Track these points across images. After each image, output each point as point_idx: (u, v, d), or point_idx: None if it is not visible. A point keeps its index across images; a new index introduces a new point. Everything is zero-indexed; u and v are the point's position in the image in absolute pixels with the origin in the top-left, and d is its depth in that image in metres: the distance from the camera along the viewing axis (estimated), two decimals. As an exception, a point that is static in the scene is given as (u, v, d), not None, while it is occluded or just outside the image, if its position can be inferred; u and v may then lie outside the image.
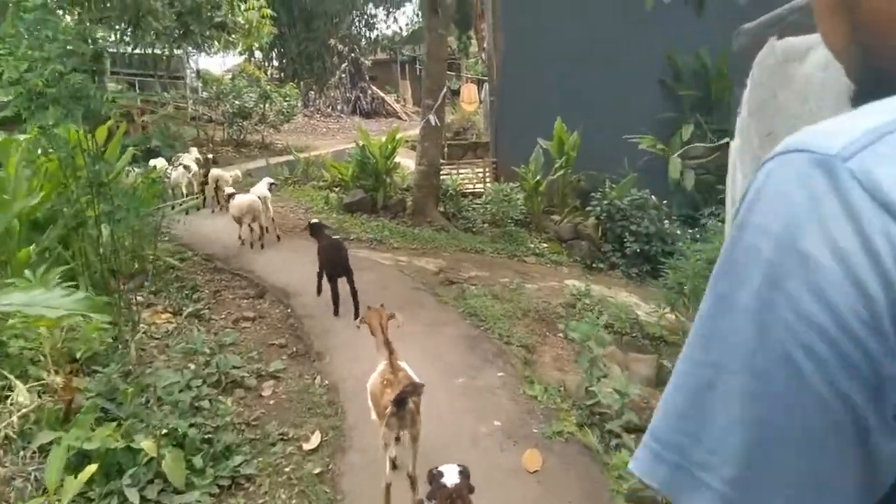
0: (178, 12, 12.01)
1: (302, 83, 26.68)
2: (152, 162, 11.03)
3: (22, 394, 3.40)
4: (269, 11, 14.43)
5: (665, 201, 9.19)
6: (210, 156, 11.58)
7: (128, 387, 3.69)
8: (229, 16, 12.53)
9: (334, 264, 5.62)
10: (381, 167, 10.06)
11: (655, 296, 6.53)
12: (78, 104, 3.90)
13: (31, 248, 4.30)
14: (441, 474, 2.48)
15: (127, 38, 14.67)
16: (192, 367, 4.37)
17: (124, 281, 6.17)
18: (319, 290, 5.98)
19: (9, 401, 3.39)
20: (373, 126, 24.46)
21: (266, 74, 23.74)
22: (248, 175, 13.54)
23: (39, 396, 3.26)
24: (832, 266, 0.42)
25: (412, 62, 31.09)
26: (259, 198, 7.95)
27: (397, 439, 3.24)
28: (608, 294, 7.16)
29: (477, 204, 9.95)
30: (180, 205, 10.04)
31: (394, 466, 3.15)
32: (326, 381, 4.46)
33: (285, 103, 18.25)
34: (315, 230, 6.16)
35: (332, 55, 26.98)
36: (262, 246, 7.96)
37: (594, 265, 8.71)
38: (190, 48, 17.38)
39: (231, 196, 8.01)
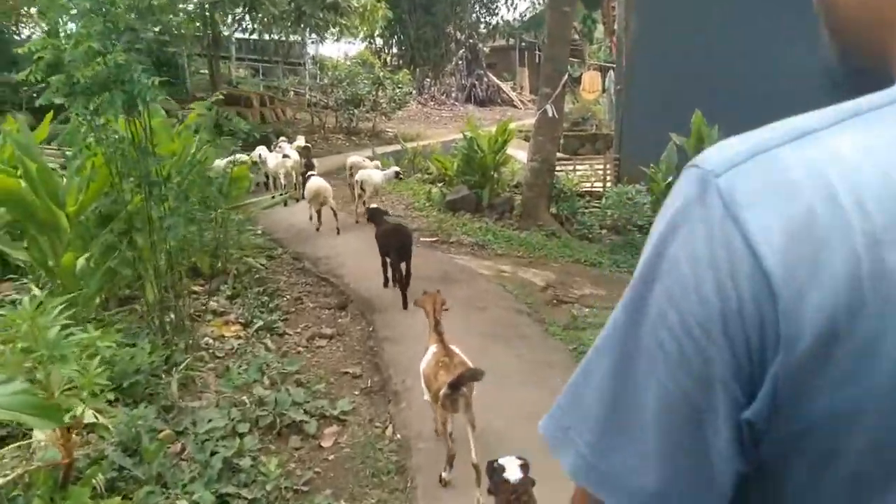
0: (291, -6, 11.70)
1: (418, 70, 26.27)
2: (257, 151, 10.87)
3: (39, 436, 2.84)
4: (384, -6, 13.92)
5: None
6: (307, 144, 11.09)
7: (155, 434, 3.04)
8: (342, -2, 12.07)
9: (395, 247, 5.54)
10: (489, 161, 9.13)
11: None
12: (121, 90, 3.28)
13: (82, 254, 3.78)
14: (503, 468, 2.36)
15: (246, 23, 14.72)
16: (246, 401, 3.70)
17: (203, 283, 5.72)
18: (386, 281, 5.86)
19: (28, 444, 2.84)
20: (486, 115, 23.57)
21: (382, 61, 23.46)
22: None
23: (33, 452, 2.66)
24: (686, 272, 0.46)
25: (531, 48, 29.83)
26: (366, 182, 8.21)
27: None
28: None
29: (595, 206, 8.78)
30: (280, 195, 9.69)
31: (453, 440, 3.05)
32: (398, 435, 3.62)
33: (398, 90, 17.74)
34: (374, 215, 6.16)
35: (449, 41, 26.33)
36: (339, 231, 7.76)
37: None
38: (308, 33, 17.26)
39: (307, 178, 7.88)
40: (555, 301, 5.91)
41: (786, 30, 8.32)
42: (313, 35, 18.11)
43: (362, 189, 8.84)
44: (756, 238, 0.43)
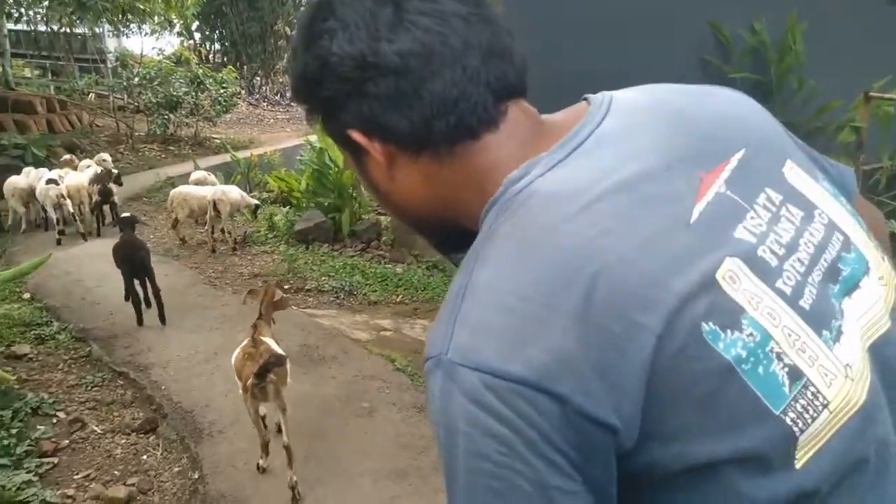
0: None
1: (245, 68, 23.55)
2: (23, 173, 8.03)
3: None
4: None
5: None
6: (113, 170, 8.48)
7: None
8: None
9: (132, 264, 4.92)
10: (346, 178, 7.34)
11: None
12: None
13: None
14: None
15: (9, 7, 11.50)
16: None
17: None
18: (127, 296, 4.99)
19: None
20: (328, 116, 21.53)
21: (200, 57, 20.51)
22: (171, 184, 10.63)
23: None
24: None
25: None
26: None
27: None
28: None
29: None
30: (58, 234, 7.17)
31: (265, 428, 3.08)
32: None
33: (222, 90, 15.20)
34: (124, 223, 5.26)
35: (278, 37, 23.91)
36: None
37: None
38: (100, 23, 14.13)
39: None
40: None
41: (657, 11, 7.38)
42: (108, 26, 14.93)
43: (216, 210, 6.71)
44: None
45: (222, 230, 7.13)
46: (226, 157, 12.09)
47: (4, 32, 18.94)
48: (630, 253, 0.57)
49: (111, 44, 21.91)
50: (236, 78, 17.01)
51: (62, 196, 7.34)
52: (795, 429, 0.57)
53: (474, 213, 0.67)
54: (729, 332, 0.56)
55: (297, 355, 4.40)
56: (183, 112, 14.89)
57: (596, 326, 0.55)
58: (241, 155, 11.72)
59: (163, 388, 4.01)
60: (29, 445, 3.39)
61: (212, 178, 8.64)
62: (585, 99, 0.74)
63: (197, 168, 9.96)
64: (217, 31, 24.11)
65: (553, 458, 0.54)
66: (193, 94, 14.61)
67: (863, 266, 0.66)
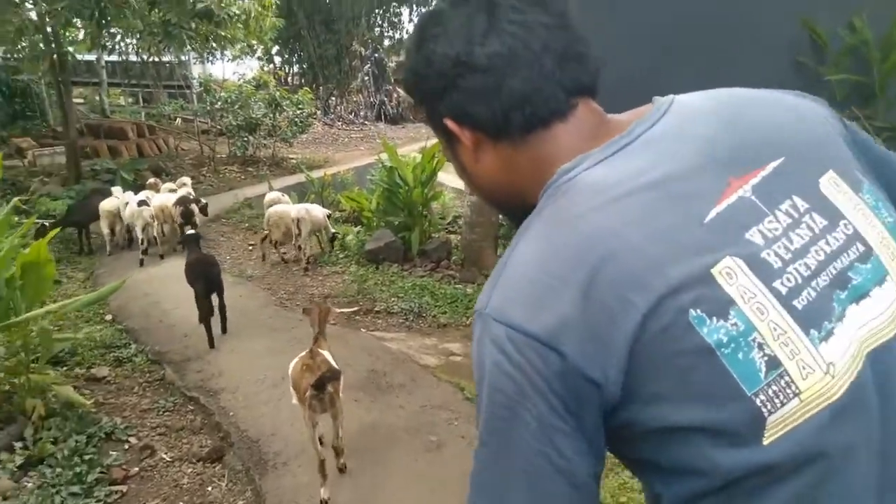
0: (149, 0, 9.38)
1: (321, 89, 24.16)
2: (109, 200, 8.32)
3: None
4: (272, 0, 11.81)
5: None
6: (201, 199, 8.69)
7: None
8: (217, 3, 9.83)
9: (207, 280, 5.01)
10: (416, 197, 7.23)
11: None
12: None
13: None
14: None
15: (104, 40, 12.22)
16: None
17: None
18: (201, 318, 5.04)
19: None
20: (400, 133, 21.72)
21: (278, 80, 21.20)
22: (248, 205, 10.90)
23: None
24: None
25: (440, 61, 28.37)
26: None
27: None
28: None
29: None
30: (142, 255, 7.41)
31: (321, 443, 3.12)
32: None
33: (298, 111, 15.57)
34: (189, 241, 5.48)
35: (353, 57, 24.42)
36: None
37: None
38: (186, 50, 14.82)
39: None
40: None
41: (744, 8, 6.88)
42: (193, 53, 15.64)
43: (298, 229, 6.82)
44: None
45: (298, 247, 7.18)
46: (301, 177, 12.31)
47: (102, 64, 20.33)
48: (640, 242, 0.66)
49: (196, 70, 23.06)
50: (312, 98, 17.42)
51: (152, 217, 7.63)
52: (764, 410, 0.64)
53: (536, 195, 0.78)
54: (715, 319, 0.64)
55: (364, 382, 4.29)
56: (261, 133, 15.35)
57: (597, 300, 0.65)
58: (316, 174, 11.90)
59: (231, 414, 3.97)
60: (100, 472, 3.39)
61: (285, 198, 8.77)
62: (652, 101, 0.82)
63: (271, 189, 10.17)
64: (296, 54, 24.89)
65: (552, 401, 0.66)
66: (271, 115, 15.03)
67: (877, 276, 0.70)
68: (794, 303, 0.66)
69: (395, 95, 25.39)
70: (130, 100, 24.25)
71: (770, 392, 0.63)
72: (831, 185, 0.72)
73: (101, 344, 5.12)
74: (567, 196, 0.72)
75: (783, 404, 0.64)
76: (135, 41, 13.44)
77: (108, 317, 5.80)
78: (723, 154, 0.72)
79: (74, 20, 10.17)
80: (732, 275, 0.65)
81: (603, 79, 0.85)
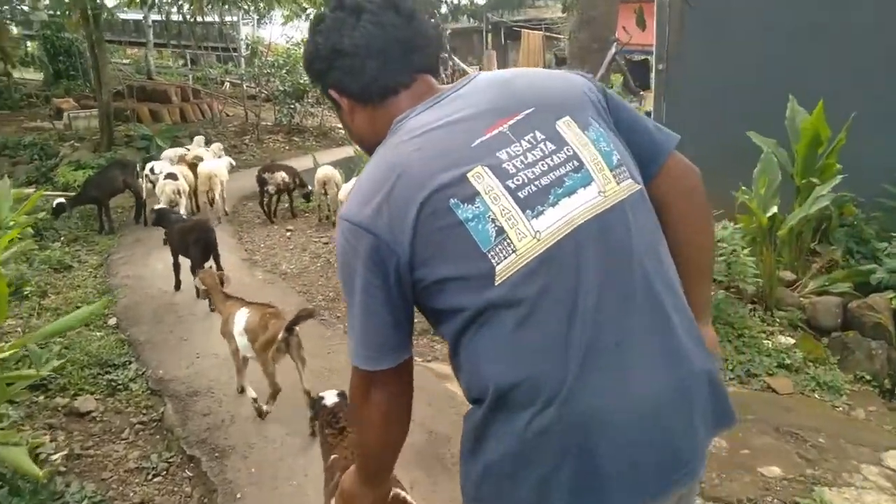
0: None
1: (374, 55, 22.95)
2: (149, 166, 7.79)
3: None
4: (324, -46, 10.59)
5: None
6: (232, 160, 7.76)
7: None
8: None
9: (205, 245, 4.99)
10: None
11: None
12: None
13: None
14: (322, 398, 2.63)
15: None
16: None
17: None
18: (178, 285, 5.25)
19: None
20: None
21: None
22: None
23: None
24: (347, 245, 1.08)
25: (497, 29, 26.69)
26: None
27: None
28: None
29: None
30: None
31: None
32: None
33: (348, 78, 14.41)
34: (161, 218, 5.51)
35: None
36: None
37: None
38: (241, 12, 13.78)
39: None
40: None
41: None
42: (246, 15, 14.57)
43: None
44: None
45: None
46: (349, 150, 11.17)
47: (149, 23, 19.52)
48: (426, 160, 1.04)
49: (246, 32, 22.08)
50: (364, 65, 16.26)
51: (177, 192, 6.89)
52: (494, 262, 1.00)
53: None
54: (466, 204, 1.01)
55: (421, 452, 3.12)
56: (309, 101, 14.30)
57: (395, 200, 1.02)
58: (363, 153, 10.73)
59: (237, 496, 2.88)
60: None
61: (337, 176, 7.70)
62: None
63: (316, 164, 9.09)
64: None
65: (369, 265, 1.04)
66: (319, 82, 13.94)
67: (584, 182, 1.07)
68: (519, 194, 1.03)
69: (451, 64, 23.97)
70: (181, 62, 23.53)
71: (498, 249, 1.00)
72: (564, 125, 1.11)
73: (95, 360, 4.13)
74: (395, 134, 1.11)
75: (505, 258, 1.00)
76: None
77: (112, 320, 4.82)
78: (498, 104, 1.11)
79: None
80: (480, 177, 1.02)
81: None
